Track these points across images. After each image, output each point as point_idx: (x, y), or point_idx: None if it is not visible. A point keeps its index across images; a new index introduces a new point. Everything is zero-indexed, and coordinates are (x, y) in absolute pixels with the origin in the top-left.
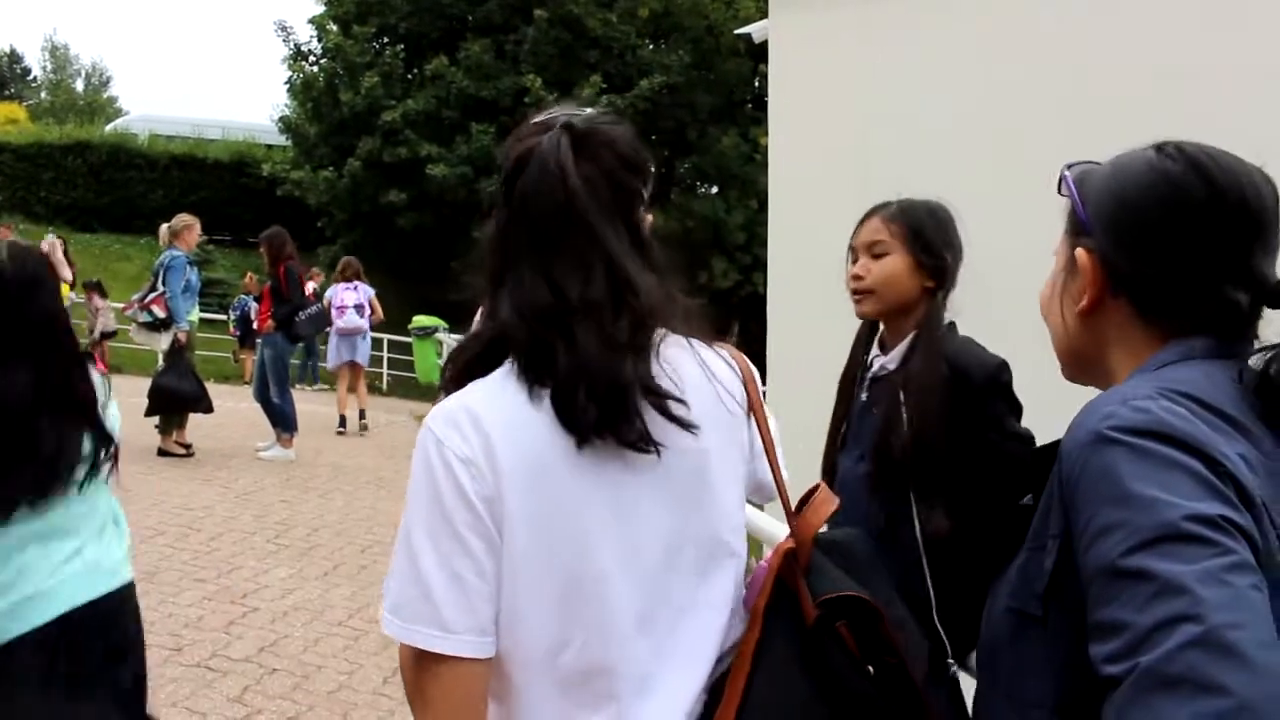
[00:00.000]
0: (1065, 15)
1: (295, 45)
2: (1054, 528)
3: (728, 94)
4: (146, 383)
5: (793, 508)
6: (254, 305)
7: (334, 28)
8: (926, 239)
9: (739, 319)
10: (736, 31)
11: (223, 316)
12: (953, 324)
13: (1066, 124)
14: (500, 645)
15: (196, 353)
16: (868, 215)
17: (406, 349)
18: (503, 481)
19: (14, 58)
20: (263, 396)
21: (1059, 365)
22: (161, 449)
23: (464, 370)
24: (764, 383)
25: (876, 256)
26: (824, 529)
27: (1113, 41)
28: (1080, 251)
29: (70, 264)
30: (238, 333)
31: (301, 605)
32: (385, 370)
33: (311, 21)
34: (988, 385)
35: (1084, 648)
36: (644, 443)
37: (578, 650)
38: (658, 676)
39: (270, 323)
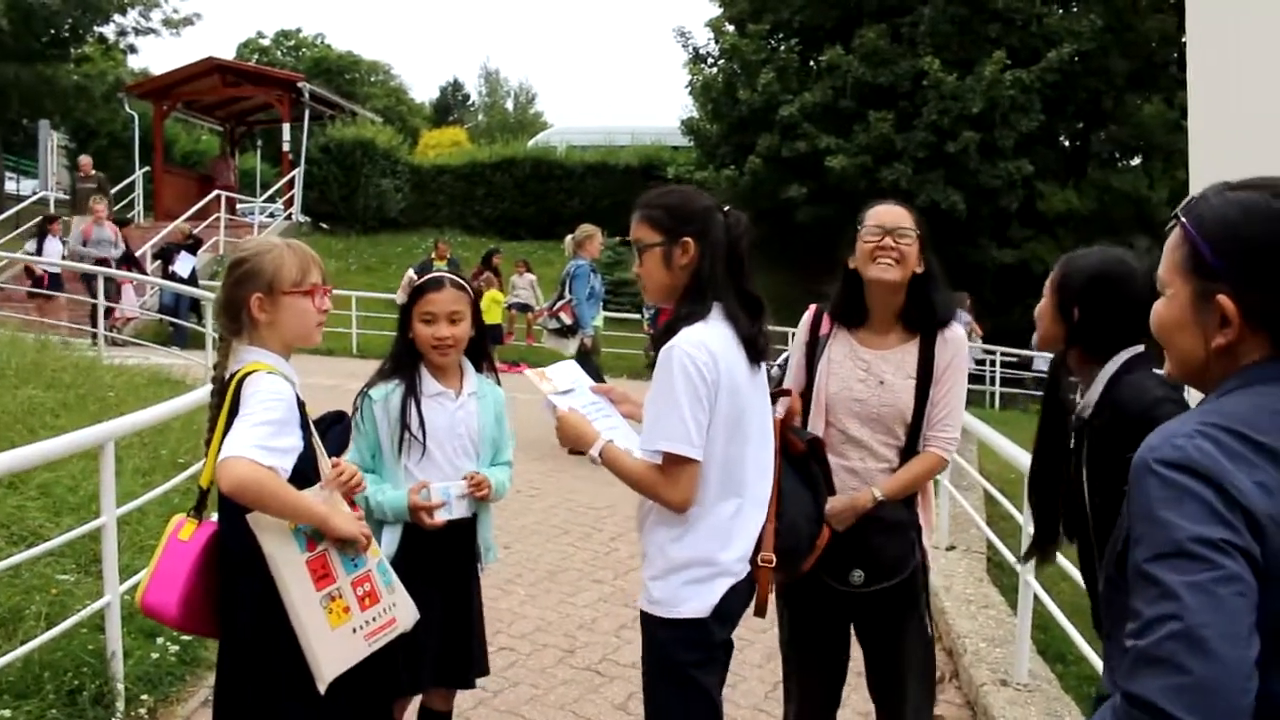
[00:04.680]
0: None
1: (694, 49)
2: (1124, 524)
3: (1148, 56)
4: None
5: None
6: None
7: (730, 28)
8: (1070, 291)
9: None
10: None
11: (635, 315)
12: (1135, 358)
13: None
14: (705, 454)
15: (611, 350)
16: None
17: None
18: (720, 376)
19: (456, 86)
20: None
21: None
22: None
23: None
24: None
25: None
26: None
27: None
28: (1224, 299)
29: (497, 273)
30: (651, 331)
31: None
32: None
33: (708, 25)
34: (1141, 420)
35: None
36: (760, 361)
37: (733, 461)
38: (760, 479)
39: None
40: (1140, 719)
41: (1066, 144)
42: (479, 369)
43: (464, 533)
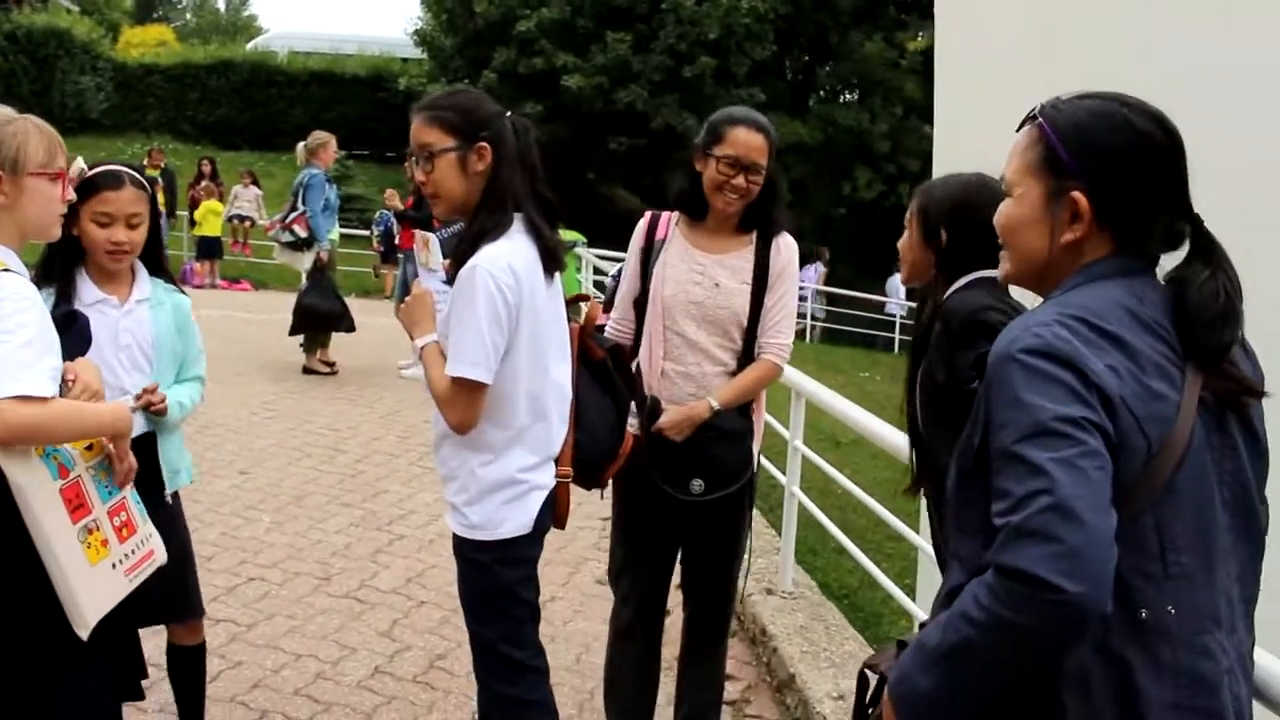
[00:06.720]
0: None
1: None
2: (981, 415)
3: None
4: (292, 300)
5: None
6: (395, 222)
7: None
8: (935, 218)
9: (884, 232)
10: None
11: (363, 232)
12: (981, 279)
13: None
14: (504, 376)
15: (338, 268)
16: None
17: None
18: (522, 298)
19: None
20: None
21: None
22: (306, 367)
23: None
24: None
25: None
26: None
27: None
28: (1078, 195)
29: (218, 183)
30: (381, 248)
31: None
32: None
33: None
34: (966, 323)
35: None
36: (555, 272)
37: (538, 383)
38: (563, 393)
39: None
40: (1016, 589)
41: (790, 77)
42: (153, 274)
43: (141, 455)
